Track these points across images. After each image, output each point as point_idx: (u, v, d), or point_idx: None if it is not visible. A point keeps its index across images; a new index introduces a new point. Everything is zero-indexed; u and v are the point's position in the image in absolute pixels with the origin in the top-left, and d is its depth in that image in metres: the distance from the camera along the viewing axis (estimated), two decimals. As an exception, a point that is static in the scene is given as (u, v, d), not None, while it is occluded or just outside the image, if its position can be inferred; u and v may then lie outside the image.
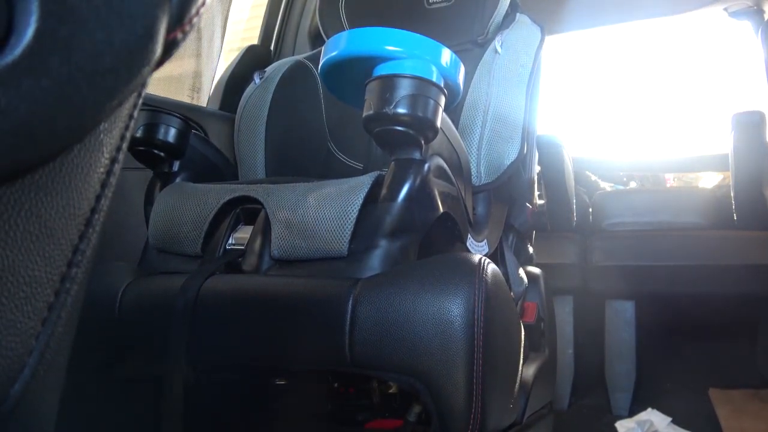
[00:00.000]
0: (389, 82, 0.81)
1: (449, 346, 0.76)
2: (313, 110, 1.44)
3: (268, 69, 1.39)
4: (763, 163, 1.85)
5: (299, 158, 1.38)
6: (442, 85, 0.84)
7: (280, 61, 1.45)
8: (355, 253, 0.85)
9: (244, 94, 1.40)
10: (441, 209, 0.91)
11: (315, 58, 1.43)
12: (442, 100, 0.84)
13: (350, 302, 0.79)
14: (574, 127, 3.44)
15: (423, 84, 0.81)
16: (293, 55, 1.78)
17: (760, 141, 1.85)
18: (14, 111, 0.25)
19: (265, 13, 1.89)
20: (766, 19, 1.94)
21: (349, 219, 0.85)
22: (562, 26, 2.29)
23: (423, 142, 0.86)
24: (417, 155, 0.86)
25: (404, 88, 0.80)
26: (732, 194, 1.92)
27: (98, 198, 0.33)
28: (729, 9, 2.06)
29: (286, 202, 0.90)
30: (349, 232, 0.84)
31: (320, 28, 1.54)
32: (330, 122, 1.46)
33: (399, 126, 0.82)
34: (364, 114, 0.83)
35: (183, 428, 0.87)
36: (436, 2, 1.50)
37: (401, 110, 0.80)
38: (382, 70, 0.83)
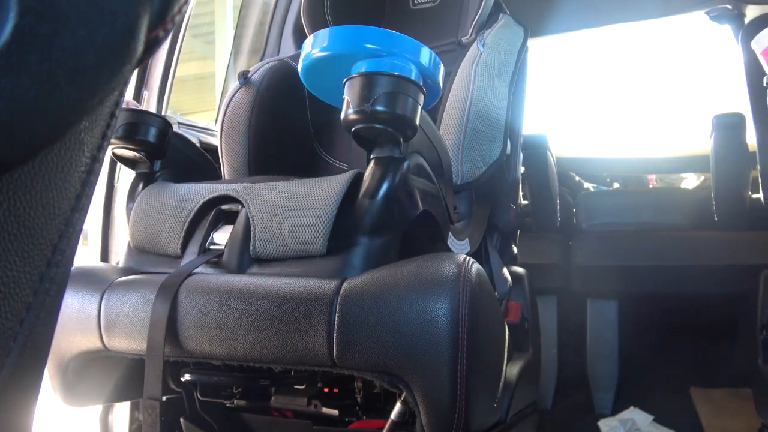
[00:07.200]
0: (368, 79, 0.81)
1: (434, 346, 0.76)
2: (298, 110, 1.43)
3: (252, 69, 1.39)
4: (743, 164, 1.88)
5: (283, 158, 1.38)
6: (421, 84, 0.84)
7: (264, 61, 1.44)
8: (334, 251, 0.85)
9: (228, 93, 1.39)
10: (421, 207, 0.91)
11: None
12: (421, 99, 0.84)
13: (335, 302, 0.79)
14: (558, 127, 3.47)
15: (402, 82, 0.81)
16: (277, 55, 1.77)
17: (740, 142, 1.87)
18: (-8, 109, 0.24)
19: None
20: (745, 23, 1.96)
21: (328, 216, 0.84)
22: (545, 29, 2.30)
23: (402, 140, 0.86)
24: (396, 153, 0.86)
25: (383, 86, 0.80)
26: (713, 195, 1.94)
27: (79, 197, 0.32)
28: (710, 13, 2.08)
29: (266, 201, 0.90)
30: (328, 230, 0.84)
31: (305, 28, 1.54)
32: (315, 122, 1.45)
33: (378, 124, 0.82)
34: (343, 111, 0.83)
35: (161, 424, 0.87)
36: (421, 3, 1.50)
37: (380, 108, 0.80)
38: (360, 67, 0.83)
